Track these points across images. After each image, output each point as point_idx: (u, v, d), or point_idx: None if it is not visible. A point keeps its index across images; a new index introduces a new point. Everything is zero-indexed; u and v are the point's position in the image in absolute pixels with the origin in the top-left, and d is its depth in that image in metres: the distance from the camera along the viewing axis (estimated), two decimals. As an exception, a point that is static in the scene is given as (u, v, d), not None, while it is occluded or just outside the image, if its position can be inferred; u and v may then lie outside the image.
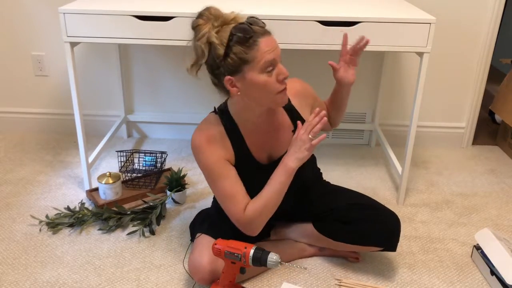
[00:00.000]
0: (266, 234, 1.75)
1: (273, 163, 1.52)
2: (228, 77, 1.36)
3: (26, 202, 2.05)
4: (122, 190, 2.06)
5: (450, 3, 2.38)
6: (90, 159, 2.12)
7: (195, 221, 1.77)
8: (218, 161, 1.46)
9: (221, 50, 1.33)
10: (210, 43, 1.34)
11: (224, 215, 1.64)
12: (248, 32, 1.31)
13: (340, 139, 2.66)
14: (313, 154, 1.66)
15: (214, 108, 1.55)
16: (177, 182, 2.03)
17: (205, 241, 1.56)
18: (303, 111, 1.59)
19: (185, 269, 1.69)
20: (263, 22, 1.37)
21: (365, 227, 1.60)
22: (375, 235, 1.60)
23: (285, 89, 1.40)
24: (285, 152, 1.50)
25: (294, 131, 1.54)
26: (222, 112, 1.51)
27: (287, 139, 1.55)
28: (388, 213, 1.64)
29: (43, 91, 2.64)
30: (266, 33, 1.35)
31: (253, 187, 1.50)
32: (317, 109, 1.41)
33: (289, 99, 1.53)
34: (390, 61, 2.50)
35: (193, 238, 1.69)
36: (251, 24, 1.34)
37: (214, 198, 1.82)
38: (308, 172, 1.68)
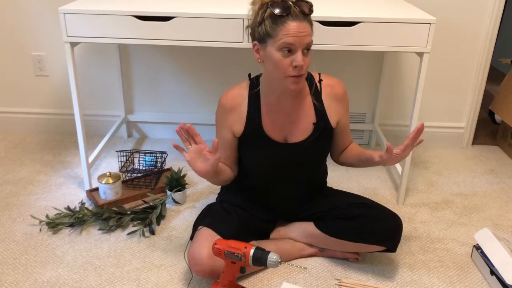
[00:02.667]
0: (266, 235, 1.75)
1: (287, 145, 1.59)
2: (255, 42, 1.47)
3: (26, 202, 2.05)
4: (122, 190, 2.06)
5: (450, 3, 2.38)
6: (90, 159, 2.12)
7: (199, 216, 1.77)
8: (222, 123, 1.61)
9: (259, 18, 1.44)
10: (257, 9, 1.45)
11: (227, 210, 1.66)
12: (280, 10, 1.39)
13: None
14: (324, 153, 1.69)
15: (249, 74, 1.64)
16: (177, 182, 2.03)
17: (206, 234, 1.56)
18: (329, 112, 1.61)
19: (185, 260, 1.70)
20: (310, 9, 1.42)
21: (366, 224, 1.60)
22: (376, 233, 1.60)
23: (297, 77, 1.43)
24: (301, 140, 1.59)
25: (315, 124, 1.59)
26: (253, 80, 1.61)
27: (305, 129, 1.59)
28: (390, 213, 1.65)
29: (43, 91, 2.64)
30: (300, 18, 1.39)
31: (268, 162, 1.60)
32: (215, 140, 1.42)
33: (321, 93, 1.59)
34: (390, 61, 2.50)
35: (193, 236, 1.69)
36: (292, 4, 1.40)
37: (218, 194, 1.83)
38: (317, 164, 1.70)
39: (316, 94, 1.60)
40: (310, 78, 1.61)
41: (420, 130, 1.43)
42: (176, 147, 1.43)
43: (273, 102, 1.57)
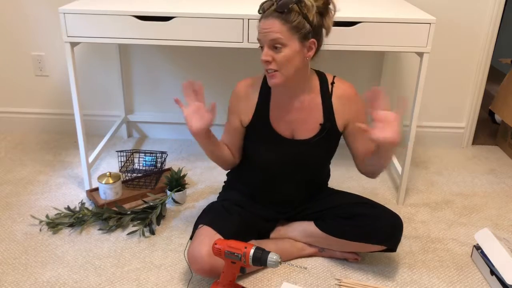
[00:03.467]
0: (266, 234, 1.75)
1: (292, 141, 1.61)
2: None
3: (26, 202, 2.05)
4: (122, 190, 2.06)
5: (450, 3, 2.38)
6: (90, 159, 2.12)
7: (200, 215, 1.77)
8: (233, 109, 1.66)
9: None
10: None
11: (227, 209, 1.66)
12: (259, 9, 1.48)
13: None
14: (327, 155, 1.69)
15: None
16: (177, 182, 2.03)
17: (206, 232, 1.56)
18: (337, 115, 1.60)
19: (185, 259, 1.70)
20: (281, 6, 1.41)
21: (367, 224, 1.60)
22: (376, 232, 1.60)
23: (269, 73, 1.47)
24: (306, 138, 1.60)
25: (321, 125, 1.60)
26: None
27: (311, 128, 1.60)
28: (391, 213, 1.65)
29: (43, 91, 2.64)
30: (273, 16, 1.42)
31: (273, 155, 1.62)
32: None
33: (331, 95, 1.61)
34: (390, 61, 2.50)
35: (193, 236, 1.69)
36: (274, 3, 1.43)
37: (220, 193, 1.84)
38: (320, 165, 1.71)
39: (327, 95, 1.60)
40: (323, 79, 1.62)
41: (375, 92, 1.41)
42: (177, 101, 1.51)
43: (282, 97, 1.59)
